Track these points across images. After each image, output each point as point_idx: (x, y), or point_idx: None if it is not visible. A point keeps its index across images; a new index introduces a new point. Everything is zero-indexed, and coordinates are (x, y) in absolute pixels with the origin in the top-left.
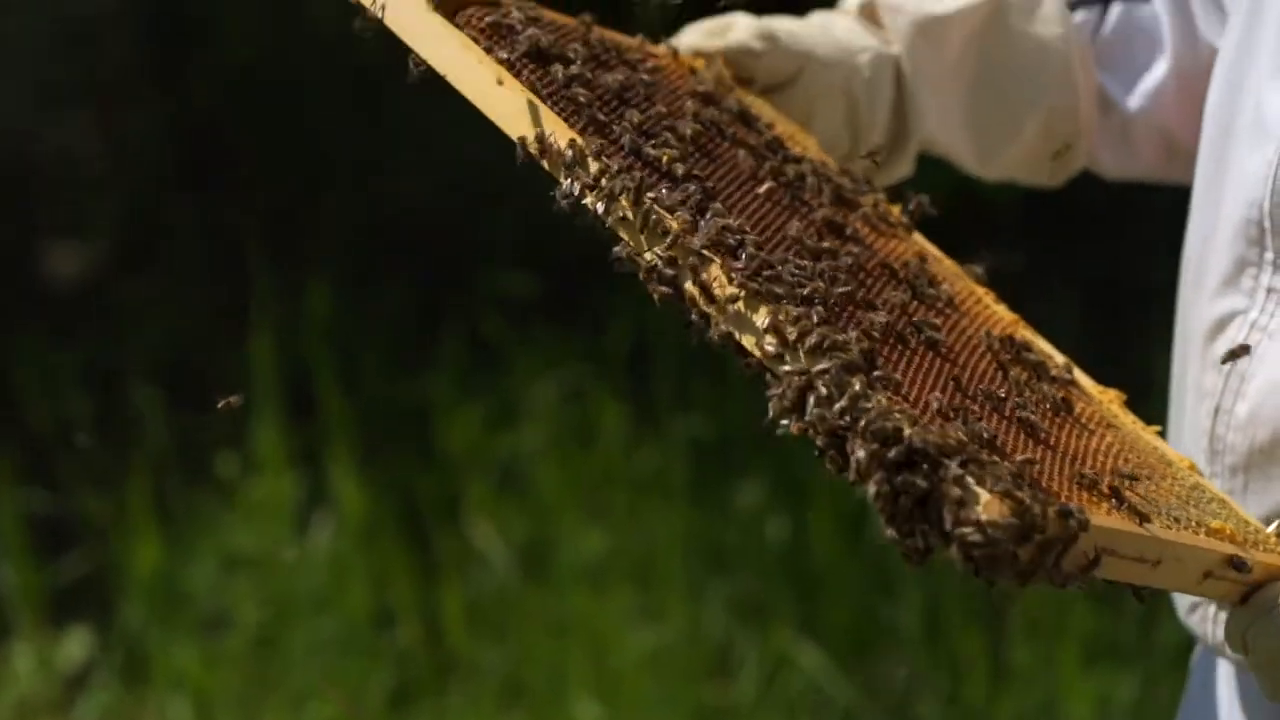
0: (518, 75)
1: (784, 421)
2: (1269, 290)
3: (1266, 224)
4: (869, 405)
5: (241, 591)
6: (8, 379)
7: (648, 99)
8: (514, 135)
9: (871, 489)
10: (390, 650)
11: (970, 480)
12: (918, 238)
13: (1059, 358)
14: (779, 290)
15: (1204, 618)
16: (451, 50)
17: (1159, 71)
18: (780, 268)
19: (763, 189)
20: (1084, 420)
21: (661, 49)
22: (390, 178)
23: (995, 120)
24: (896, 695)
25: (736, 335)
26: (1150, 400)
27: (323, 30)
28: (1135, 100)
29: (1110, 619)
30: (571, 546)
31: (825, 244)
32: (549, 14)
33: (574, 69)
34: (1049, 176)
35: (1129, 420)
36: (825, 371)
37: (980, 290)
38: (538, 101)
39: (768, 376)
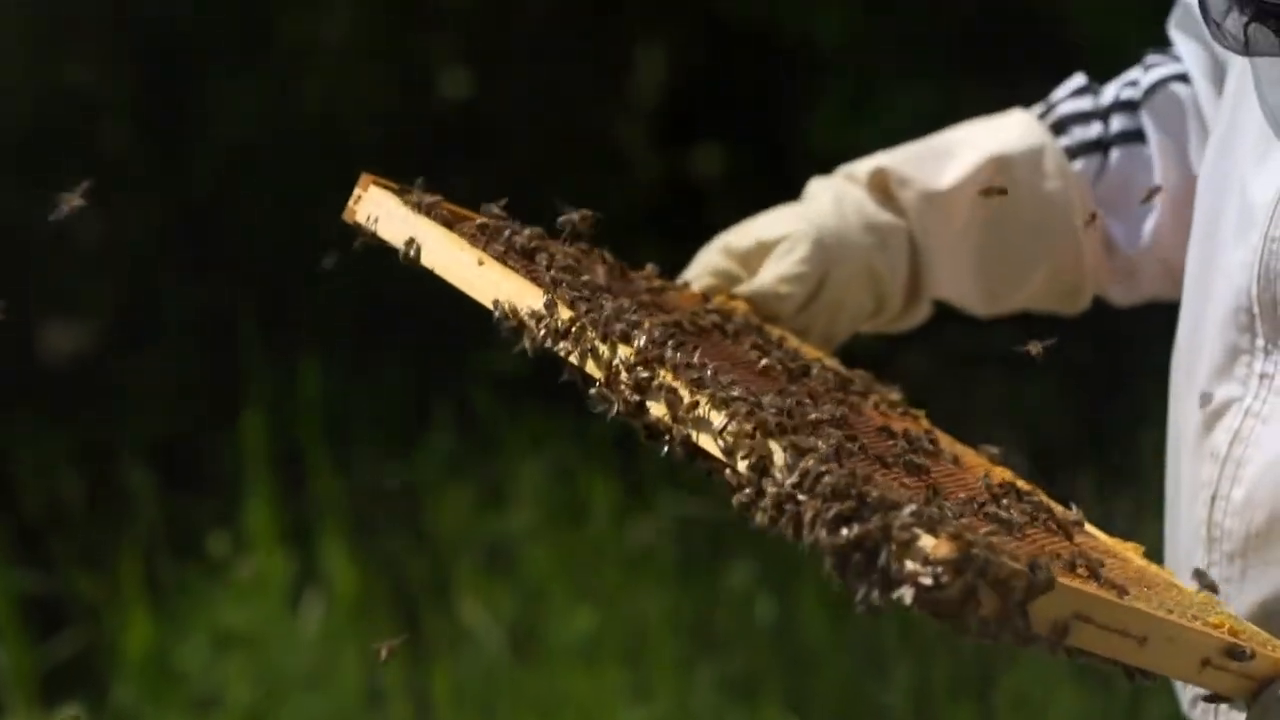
0: (502, 262)
1: (753, 514)
2: (1261, 376)
3: (1255, 310)
4: (822, 471)
5: (233, 670)
6: (1, 458)
7: (638, 303)
8: (488, 301)
9: (821, 541)
10: None
11: (918, 527)
12: (931, 428)
13: (1074, 512)
14: (737, 394)
15: (1206, 710)
16: (443, 246)
17: (1158, 209)
18: (743, 389)
19: (760, 364)
20: (1085, 546)
21: (676, 282)
22: (381, 258)
23: (1003, 274)
24: None
25: (694, 436)
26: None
27: (315, 113)
28: (1138, 241)
29: (1100, 700)
30: (561, 625)
31: (808, 397)
32: (553, 244)
33: (559, 260)
34: (1063, 310)
35: (1146, 564)
36: (780, 452)
37: (996, 468)
38: (515, 273)
39: (726, 473)
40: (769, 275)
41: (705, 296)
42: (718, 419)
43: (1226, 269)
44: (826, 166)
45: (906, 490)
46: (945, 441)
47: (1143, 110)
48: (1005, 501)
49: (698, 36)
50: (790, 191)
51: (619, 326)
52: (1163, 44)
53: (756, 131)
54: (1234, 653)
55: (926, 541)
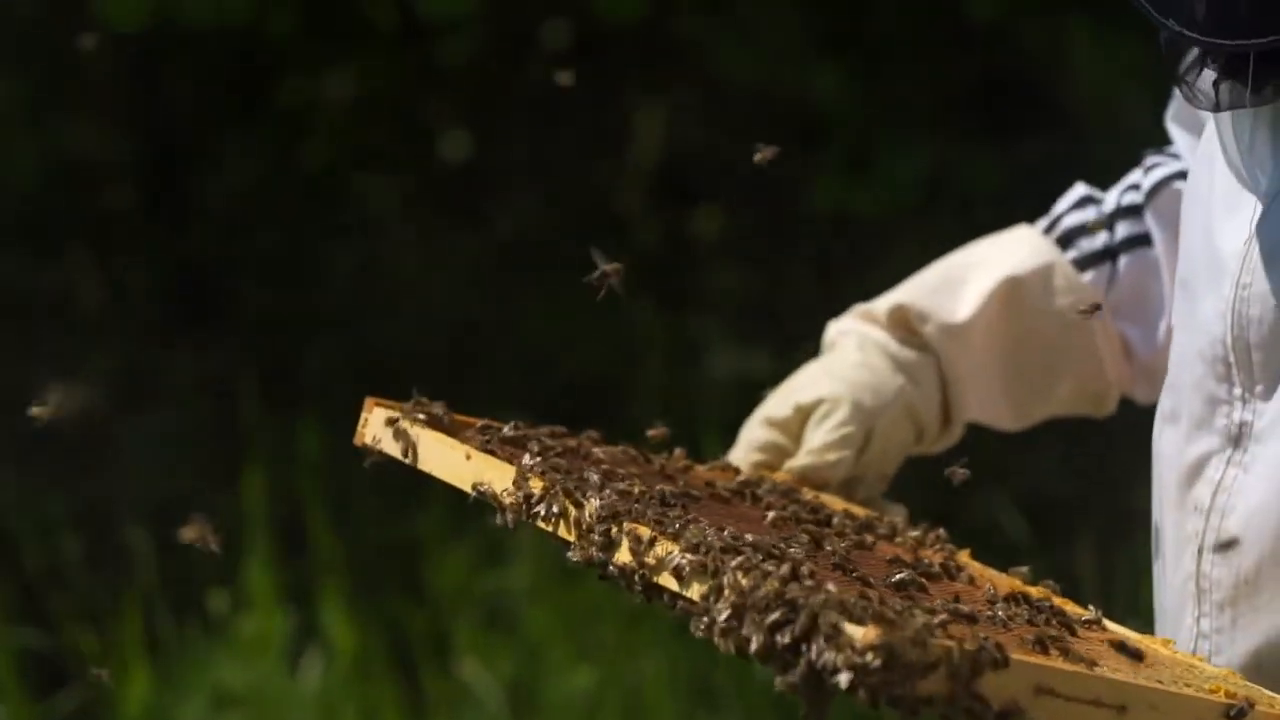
0: (490, 453)
1: (712, 639)
2: (1241, 425)
3: (1231, 359)
4: (759, 589)
5: None
6: (1, 518)
7: (640, 475)
8: (469, 487)
9: (760, 651)
10: None
11: (844, 618)
12: (954, 558)
13: (1091, 612)
14: (700, 535)
15: None
16: (435, 449)
17: (1168, 309)
18: (715, 532)
19: (769, 518)
20: (1079, 637)
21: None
22: (381, 317)
23: (1029, 392)
24: None
25: (652, 575)
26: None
27: (315, 175)
28: (1155, 343)
29: None
30: (560, 683)
31: (805, 538)
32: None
33: (544, 443)
34: (1092, 413)
35: (1171, 654)
36: (729, 577)
37: (1014, 584)
38: (497, 460)
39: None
40: (815, 445)
41: (736, 470)
42: (674, 555)
43: (1202, 321)
44: (825, 227)
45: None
46: (974, 569)
47: (1147, 213)
48: (1000, 606)
49: (696, 98)
50: (789, 253)
51: (590, 489)
52: (1160, 101)
53: (755, 193)
54: (1229, 712)
55: (853, 630)
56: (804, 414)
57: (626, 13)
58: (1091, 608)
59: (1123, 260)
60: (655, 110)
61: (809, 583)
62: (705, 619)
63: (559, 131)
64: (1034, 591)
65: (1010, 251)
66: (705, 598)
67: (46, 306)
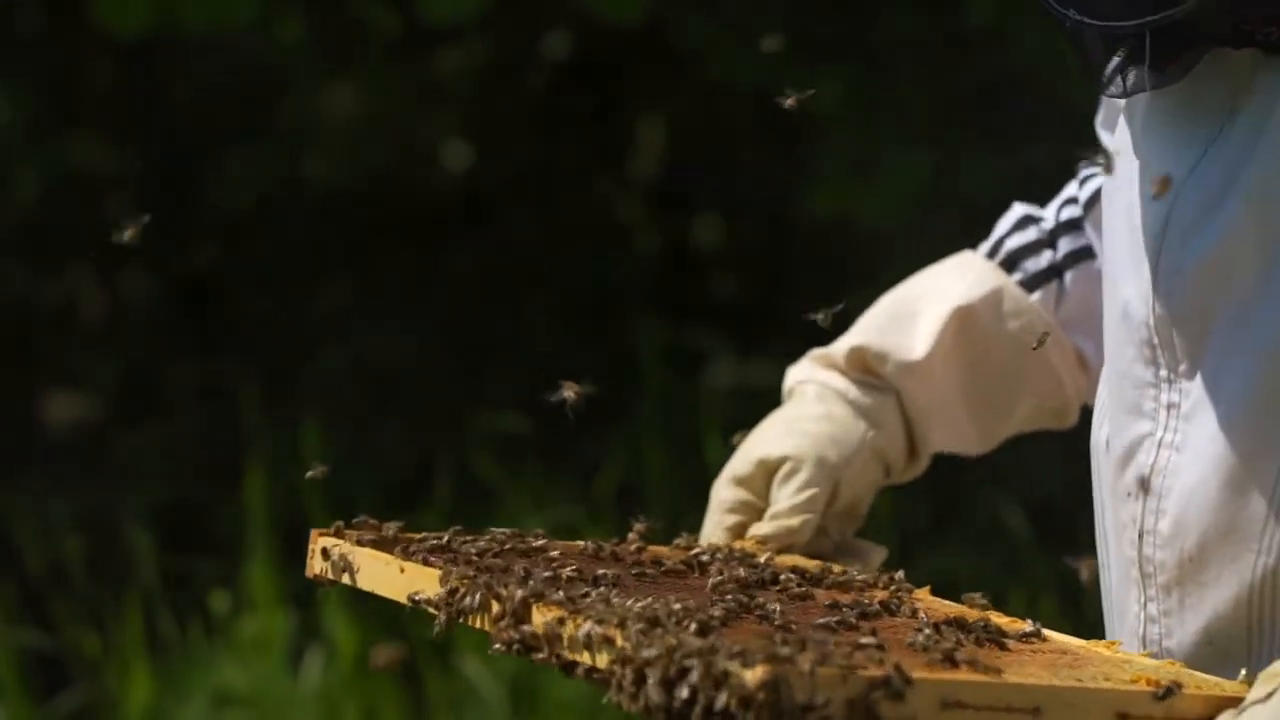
0: (425, 563)
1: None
2: (1169, 407)
3: (1155, 341)
4: (650, 647)
5: None
6: (4, 522)
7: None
8: (405, 599)
9: (658, 707)
10: None
11: (735, 664)
12: (900, 594)
13: (1029, 625)
14: (602, 608)
15: None
16: (371, 566)
17: None
18: (630, 605)
19: (709, 585)
20: (1009, 650)
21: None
22: (382, 321)
23: (991, 415)
24: None
25: (565, 651)
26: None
27: (317, 187)
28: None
29: None
30: (561, 682)
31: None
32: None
33: (480, 545)
34: (1055, 427)
35: (1112, 655)
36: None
37: (966, 612)
38: (428, 569)
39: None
40: (780, 509)
41: (687, 549)
42: (584, 628)
43: (1126, 307)
44: (826, 234)
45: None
46: (925, 605)
47: (1086, 225)
48: (925, 633)
49: (695, 107)
50: (790, 261)
51: (512, 580)
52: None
53: (755, 201)
54: (1156, 695)
55: (742, 672)
56: (769, 469)
57: (624, 14)
58: (1029, 621)
59: (1068, 276)
60: (654, 120)
61: (710, 640)
62: (615, 687)
63: (558, 142)
64: (972, 615)
65: (957, 280)
66: (610, 666)
67: (50, 317)
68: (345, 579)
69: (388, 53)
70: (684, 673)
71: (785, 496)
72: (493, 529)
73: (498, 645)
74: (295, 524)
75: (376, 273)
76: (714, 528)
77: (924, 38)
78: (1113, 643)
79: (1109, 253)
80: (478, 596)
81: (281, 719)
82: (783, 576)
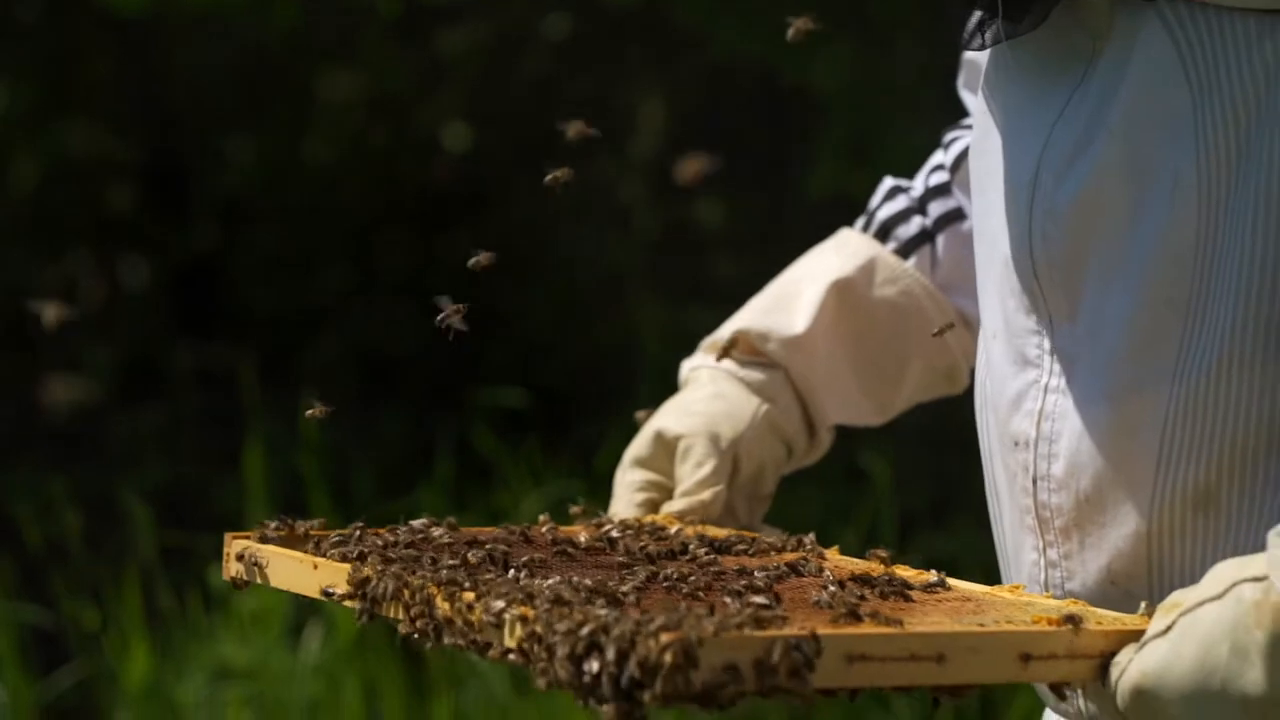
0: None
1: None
2: (1053, 352)
3: (1034, 287)
4: (556, 625)
5: (232, 702)
6: (3, 500)
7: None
8: (319, 593)
9: (565, 682)
10: None
11: (640, 635)
12: (808, 556)
13: (933, 576)
14: (512, 588)
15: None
16: (283, 563)
17: None
18: (541, 585)
19: (617, 560)
20: (914, 601)
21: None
22: (381, 303)
23: (882, 382)
24: None
25: (478, 635)
26: None
27: (316, 170)
28: None
29: None
30: None
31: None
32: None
33: (390, 538)
34: (947, 392)
35: (1017, 595)
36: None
37: (872, 567)
38: (339, 564)
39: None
40: (687, 485)
41: (598, 526)
42: (496, 609)
43: (1003, 257)
44: (826, 214)
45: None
46: (833, 564)
47: (954, 188)
48: (829, 591)
49: (696, 87)
50: (789, 240)
51: (422, 568)
52: None
53: (756, 181)
54: (1058, 632)
55: (647, 643)
56: (668, 448)
57: None
58: (934, 571)
59: (940, 239)
60: (654, 100)
61: (617, 612)
62: (527, 664)
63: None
64: (876, 570)
65: (832, 257)
66: (521, 645)
67: (49, 302)
68: (259, 579)
69: (388, 34)
70: (592, 647)
71: (688, 473)
72: (408, 522)
73: (413, 634)
74: (295, 501)
75: (377, 254)
76: (624, 508)
77: (923, 14)
78: (1016, 586)
79: (981, 208)
80: (389, 586)
81: (281, 693)
82: (691, 545)
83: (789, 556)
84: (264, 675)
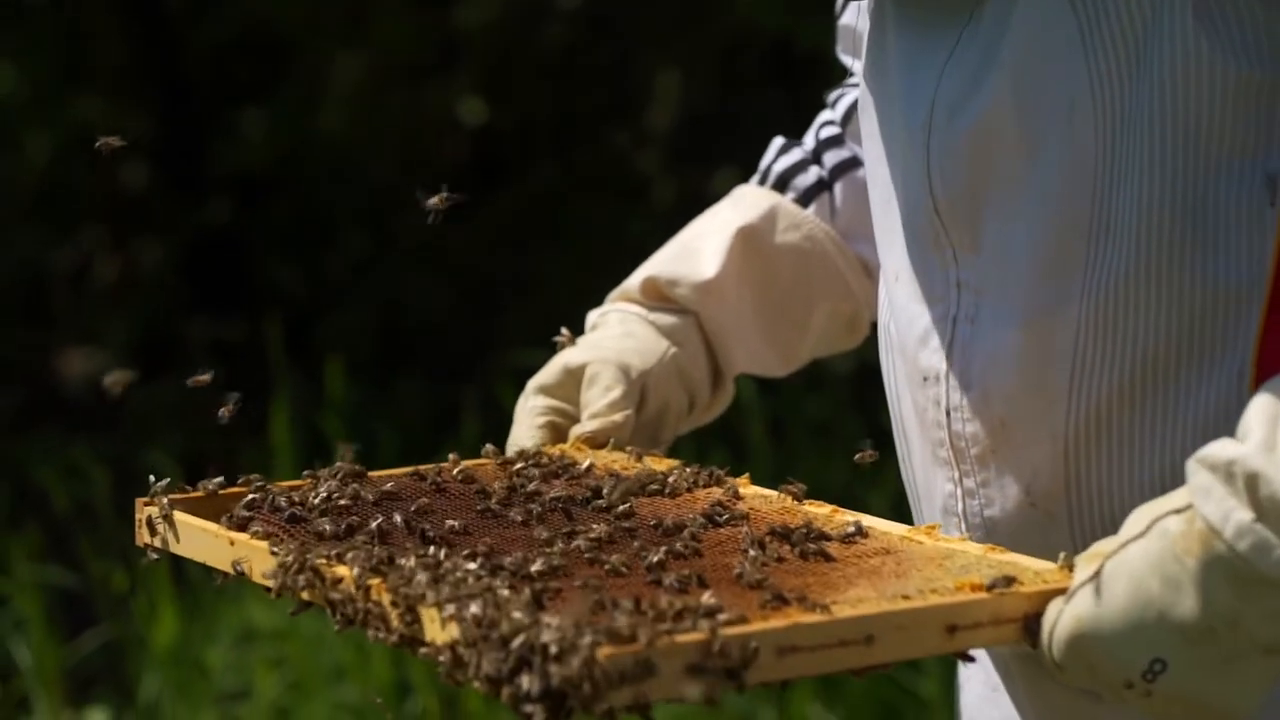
0: (258, 535)
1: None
2: (959, 284)
3: (937, 223)
4: (488, 634)
5: (260, 664)
6: (29, 468)
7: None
8: (230, 567)
9: (492, 687)
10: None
11: (573, 645)
12: (728, 494)
13: (849, 517)
14: (434, 585)
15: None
16: (203, 540)
17: None
18: (462, 573)
19: (533, 514)
20: (836, 561)
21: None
22: (401, 273)
23: (788, 329)
24: None
25: (409, 634)
26: None
27: (332, 143)
28: None
29: None
30: None
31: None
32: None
33: (307, 500)
34: (847, 345)
35: (935, 540)
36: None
37: (801, 505)
38: (253, 539)
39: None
40: (598, 408)
41: (505, 464)
42: (424, 610)
43: (902, 198)
44: None
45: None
46: (746, 500)
47: (847, 139)
48: (753, 553)
49: (712, 57)
50: None
51: (350, 552)
52: None
53: None
54: (982, 603)
55: (581, 653)
56: (575, 377)
57: None
58: (850, 516)
59: (838, 187)
60: (672, 73)
61: (545, 617)
62: (453, 667)
63: (576, 95)
64: (794, 518)
65: (733, 209)
66: (447, 648)
67: (65, 279)
68: (172, 546)
69: (403, 8)
70: (523, 659)
71: (596, 396)
72: (315, 471)
73: (337, 625)
74: (320, 462)
75: (394, 224)
76: (525, 432)
77: None
78: (932, 527)
79: (874, 156)
80: (302, 577)
81: (308, 657)
82: (605, 490)
83: (704, 497)
84: (292, 638)
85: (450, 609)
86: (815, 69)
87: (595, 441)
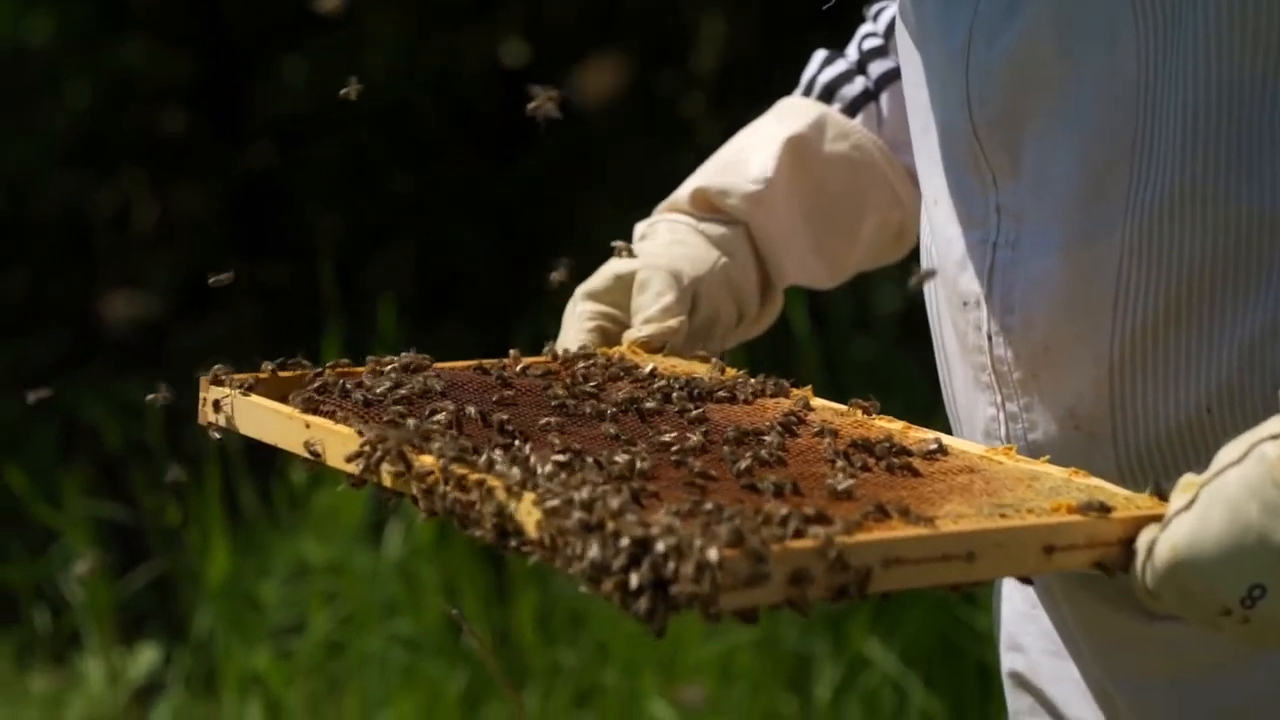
0: (327, 414)
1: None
2: (999, 209)
3: (976, 146)
4: (606, 525)
5: (313, 599)
6: (78, 409)
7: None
8: (304, 450)
9: (612, 594)
10: (463, 654)
11: (687, 545)
12: (800, 406)
13: (925, 434)
14: (537, 479)
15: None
16: (275, 422)
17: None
18: (555, 467)
19: (603, 430)
20: (923, 476)
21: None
22: (443, 218)
23: (837, 239)
24: (975, 695)
25: (507, 525)
26: None
27: (374, 86)
28: None
29: None
30: None
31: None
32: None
33: (379, 389)
34: (894, 256)
35: (1015, 461)
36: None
37: (873, 420)
38: (331, 422)
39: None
40: (652, 313)
41: (566, 363)
42: (526, 502)
43: (941, 121)
44: None
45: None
46: (816, 413)
47: (890, 50)
48: (840, 464)
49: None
50: None
51: (434, 437)
52: None
53: None
54: (1081, 524)
55: (695, 555)
56: (625, 284)
57: None
58: (928, 433)
59: (883, 97)
60: (716, 13)
61: (656, 515)
62: (559, 562)
63: (621, 37)
64: (872, 431)
65: (779, 120)
66: (553, 543)
67: (107, 223)
68: (242, 429)
69: None
70: (636, 556)
71: (649, 301)
72: (377, 358)
73: (424, 513)
74: None
75: (437, 168)
76: (574, 337)
77: None
78: (1009, 449)
79: (913, 81)
80: (388, 464)
81: (361, 592)
82: (674, 395)
83: (774, 407)
84: (345, 573)
85: (554, 501)
86: (858, 10)
87: (650, 346)
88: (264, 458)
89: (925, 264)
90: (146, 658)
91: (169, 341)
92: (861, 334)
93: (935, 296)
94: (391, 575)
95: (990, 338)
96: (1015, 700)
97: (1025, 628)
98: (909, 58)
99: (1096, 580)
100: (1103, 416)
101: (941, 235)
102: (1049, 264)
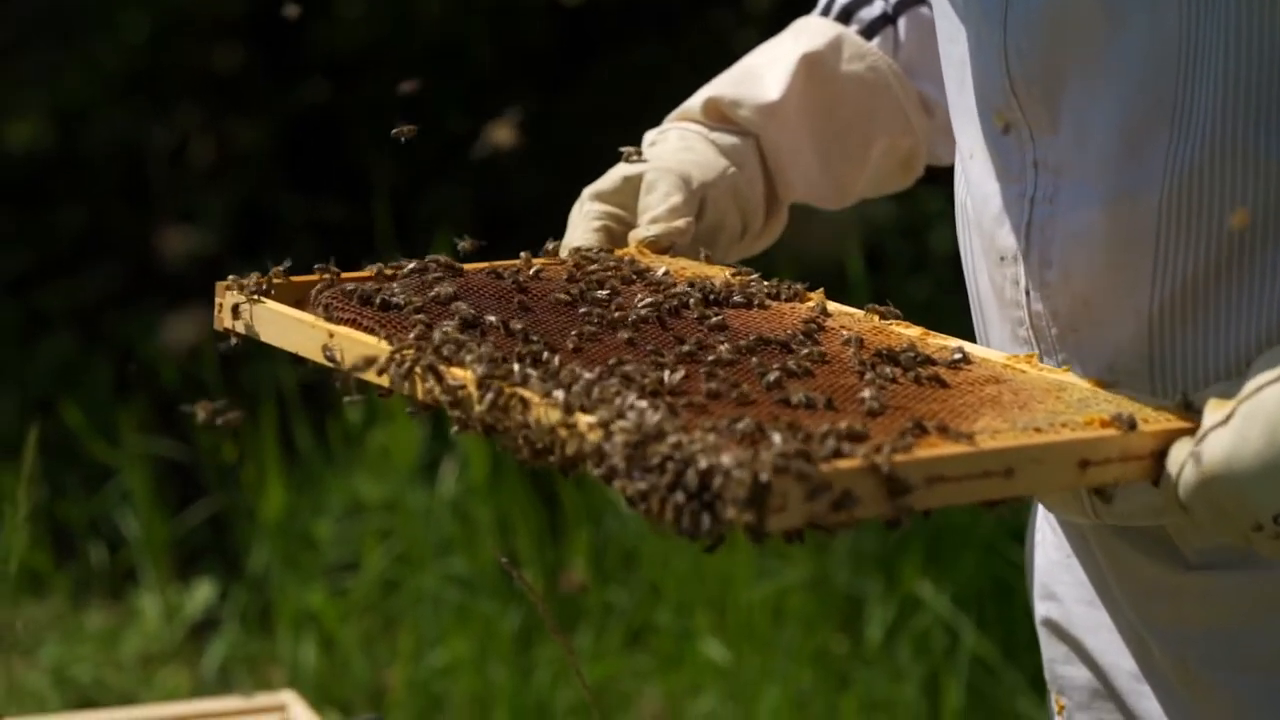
0: (354, 325)
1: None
2: (1036, 164)
3: (1013, 101)
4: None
5: (367, 537)
6: (133, 344)
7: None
8: (319, 356)
9: (656, 511)
10: (516, 593)
11: (733, 466)
12: (816, 312)
13: (953, 344)
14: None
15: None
16: (296, 330)
17: None
18: (590, 380)
19: (621, 338)
20: (951, 388)
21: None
22: (499, 159)
23: (846, 160)
24: (1027, 636)
25: (550, 443)
26: None
27: (430, 28)
28: (947, 98)
29: None
30: None
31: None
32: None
33: (399, 297)
34: (900, 185)
35: (1038, 370)
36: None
37: (890, 325)
38: (355, 330)
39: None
40: (659, 212)
41: (576, 265)
42: (570, 419)
43: (978, 74)
44: None
45: (766, 420)
46: (833, 317)
47: None
48: (869, 375)
49: None
50: None
51: (465, 350)
52: None
53: None
54: (1115, 437)
55: (743, 475)
56: (633, 185)
57: None
58: (952, 341)
59: (901, 21)
60: None
61: (695, 434)
62: (602, 474)
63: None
64: (894, 340)
65: (797, 37)
66: (597, 458)
67: (161, 157)
68: (260, 334)
69: None
70: (679, 476)
71: (656, 201)
72: (398, 261)
73: (457, 427)
74: None
75: (492, 105)
76: (580, 236)
77: None
78: (1030, 356)
79: (948, 34)
80: (428, 378)
81: (415, 530)
82: (692, 301)
83: (790, 312)
84: (398, 511)
85: (600, 414)
86: None
87: (657, 246)
88: (320, 395)
89: (960, 218)
90: (202, 594)
91: (224, 277)
92: (916, 275)
93: (971, 250)
94: (446, 514)
95: (1028, 293)
96: (1050, 648)
97: (1059, 576)
98: (945, 10)
99: (1132, 530)
100: (1141, 371)
101: (978, 190)
102: (1089, 219)
